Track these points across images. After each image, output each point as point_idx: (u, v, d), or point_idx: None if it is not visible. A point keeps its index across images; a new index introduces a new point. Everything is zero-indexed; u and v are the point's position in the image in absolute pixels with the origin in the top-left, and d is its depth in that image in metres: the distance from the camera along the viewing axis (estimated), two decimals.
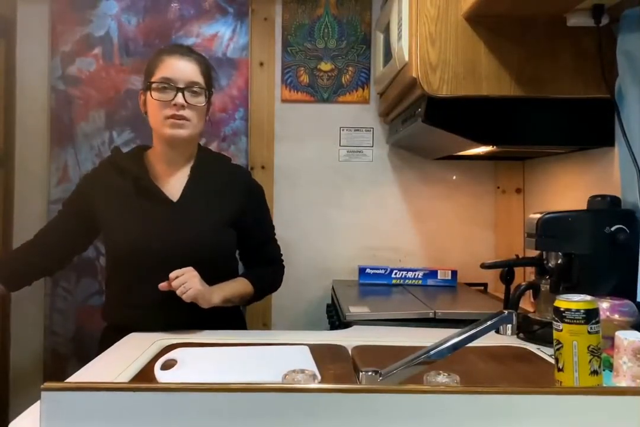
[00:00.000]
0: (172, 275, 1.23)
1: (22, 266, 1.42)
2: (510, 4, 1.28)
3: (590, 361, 0.81)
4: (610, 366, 0.92)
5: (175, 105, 1.30)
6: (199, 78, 1.34)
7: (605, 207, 1.29)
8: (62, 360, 2.12)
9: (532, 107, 1.44)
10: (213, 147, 2.09)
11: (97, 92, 2.13)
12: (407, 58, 1.46)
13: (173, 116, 1.31)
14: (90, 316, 2.12)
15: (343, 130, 2.16)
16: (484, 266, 1.39)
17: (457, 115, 1.44)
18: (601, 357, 0.82)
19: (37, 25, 2.12)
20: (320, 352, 1.11)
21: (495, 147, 1.55)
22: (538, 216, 1.26)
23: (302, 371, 0.89)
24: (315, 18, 2.14)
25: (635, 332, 0.91)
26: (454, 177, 2.16)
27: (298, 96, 2.14)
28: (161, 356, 1.06)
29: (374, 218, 2.14)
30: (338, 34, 2.15)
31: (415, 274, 1.98)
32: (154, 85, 1.32)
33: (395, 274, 1.98)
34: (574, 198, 1.65)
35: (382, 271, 1.99)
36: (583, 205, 1.34)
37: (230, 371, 1.00)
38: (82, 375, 0.98)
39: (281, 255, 1.54)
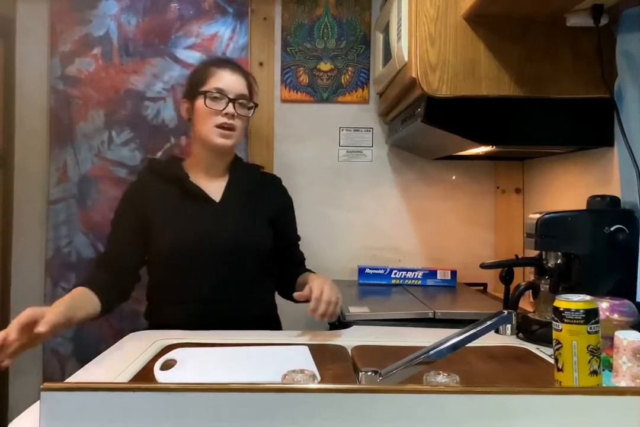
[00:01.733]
0: (316, 291, 1.22)
1: (105, 288, 1.34)
2: (510, 4, 1.28)
3: (589, 361, 0.81)
4: (609, 366, 0.92)
5: (226, 114, 1.38)
6: (245, 92, 1.44)
7: (605, 207, 1.29)
8: (61, 360, 2.12)
9: (531, 107, 1.44)
10: None
11: (97, 92, 2.13)
12: (406, 58, 1.46)
13: (223, 125, 1.38)
14: None
15: (342, 130, 2.16)
16: (483, 266, 1.40)
17: (456, 115, 1.44)
18: (600, 357, 0.83)
19: (36, 25, 2.12)
20: (320, 352, 1.11)
21: (494, 147, 1.55)
22: (537, 216, 1.26)
23: (302, 371, 0.89)
24: (314, 18, 2.14)
25: (635, 332, 0.92)
26: (454, 177, 2.16)
27: (298, 96, 2.14)
28: (161, 356, 1.06)
29: (374, 218, 2.14)
30: (337, 34, 2.14)
31: (414, 274, 1.98)
32: (207, 94, 1.39)
33: (395, 274, 1.98)
34: (573, 198, 1.65)
35: (382, 271, 1.99)
36: (582, 206, 1.34)
37: (230, 371, 1.00)
38: (82, 375, 0.98)
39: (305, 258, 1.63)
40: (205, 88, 1.40)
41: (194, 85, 1.44)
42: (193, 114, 1.44)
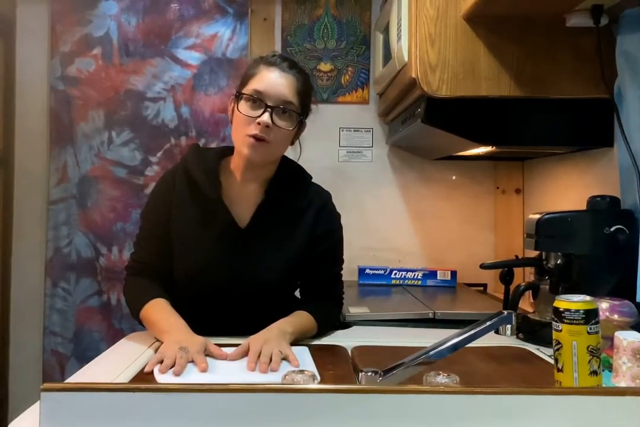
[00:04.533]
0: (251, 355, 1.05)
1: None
2: (510, 4, 1.28)
3: (589, 361, 0.81)
4: (609, 367, 0.92)
5: (259, 124, 1.17)
6: (293, 98, 1.21)
7: (605, 208, 1.29)
8: (61, 360, 2.12)
9: (531, 108, 1.44)
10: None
11: (97, 92, 2.13)
12: (406, 58, 1.46)
13: (254, 136, 1.18)
14: (90, 316, 2.11)
15: (343, 130, 2.16)
16: (483, 267, 1.40)
17: (456, 116, 1.44)
18: (600, 357, 0.83)
19: (36, 25, 2.12)
20: (320, 353, 1.11)
21: (494, 147, 1.55)
22: (537, 216, 1.26)
23: (302, 372, 0.89)
24: (314, 18, 2.14)
25: (635, 333, 0.92)
26: (454, 178, 2.16)
27: None
28: None
29: (374, 218, 2.14)
30: (337, 35, 2.15)
31: (414, 275, 1.98)
32: (243, 97, 1.21)
33: (395, 274, 1.98)
34: (573, 198, 1.65)
35: (382, 272, 1.99)
36: (582, 206, 1.34)
37: (230, 372, 1.00)
38: (82, 375, 0.98)
39: (343, 293, 1.38)
40: (245, 89, 1.22)
41: (240, 84, 1.26)
42: (233, 116, 1.26)
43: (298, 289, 1.40)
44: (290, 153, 1.38)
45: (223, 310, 1.28)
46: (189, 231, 1.27)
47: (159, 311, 1.21)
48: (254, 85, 1.21)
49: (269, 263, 1.26)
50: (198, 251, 1.26)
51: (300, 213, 1.30)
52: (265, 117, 1.17)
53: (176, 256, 1.28)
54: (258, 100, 1.19)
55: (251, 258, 1.26)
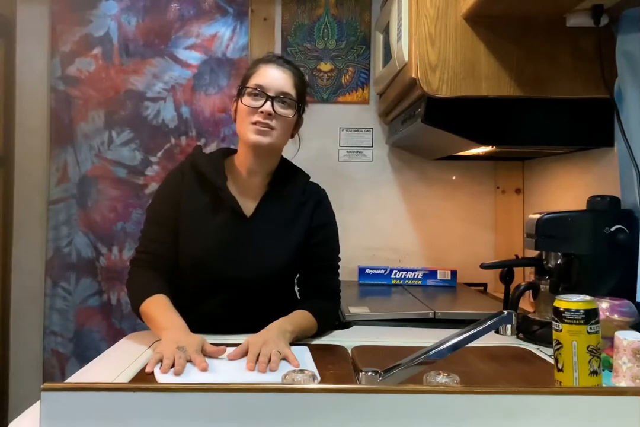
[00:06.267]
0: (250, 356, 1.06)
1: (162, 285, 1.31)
2: (510, 4, 1.28)
3: (589, 361, 0.81)
4: (609, 366, 0.92)
5: (262, 112, 1.27)
6: (290, 90, 1.31)
7: (605, 208, 1.29)
8: (61, 360, 2.12)
9: (531, 108, 1.44)
10: (212, 147, 2.09)
11: (97, 92, 2.13)
12: (406, 58, 1.46)
13: (258, 122, 1.28)
14: (90, 316, 2.11)
15: (343, 130, 2.16)
16: (483, 266, 1.39)
17: (456, 116, 1.44)
18: (600, 357, 0.83)
19: (37, 25, 2.12)
20: (320, 353, 1.11)
21: (494, 147, 1.55)
22: (538, 216, 1.26)
23: (302, 371, 0.89)
24: (314, 18, 2.14)
25: (635, 333, 0.92)
26: (454, 177, 2.16)
27: None
28: None
29: (374, 218, 2.14)
30: (338, 35, 2.15)
31: (415, 275, 1.98)
32: (246, 91, 1.30)
33: (395, 274, 1.98)
34: (573, 198, 1.65)
35: (382, 271, 1.99)
36: (583, 206, 1.34)
37: (230, 371, 1.00)
38: (82, 375, 0.98)
39: (340, 290, 1.41)
40: (247, 85, 1.32)
41: (241, 83, 1.36)
42: (237, 113, 1.35)
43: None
44: (291, 151, 1.42)
45: (225, 299, 1.30)
46: (195, 217, 1.32)
47: (158, 307, 1.22)
48: (255, 80, 1.31)
49: (272, 251, 1.32)
50: (204, 237, 1.31)
51: (300, 206, 1.37)
52: (267, 106, 1.28)
53: (182, 242, 1.32)
54: (260, 92, 1.29)
55: (255, 245, 1.32)
